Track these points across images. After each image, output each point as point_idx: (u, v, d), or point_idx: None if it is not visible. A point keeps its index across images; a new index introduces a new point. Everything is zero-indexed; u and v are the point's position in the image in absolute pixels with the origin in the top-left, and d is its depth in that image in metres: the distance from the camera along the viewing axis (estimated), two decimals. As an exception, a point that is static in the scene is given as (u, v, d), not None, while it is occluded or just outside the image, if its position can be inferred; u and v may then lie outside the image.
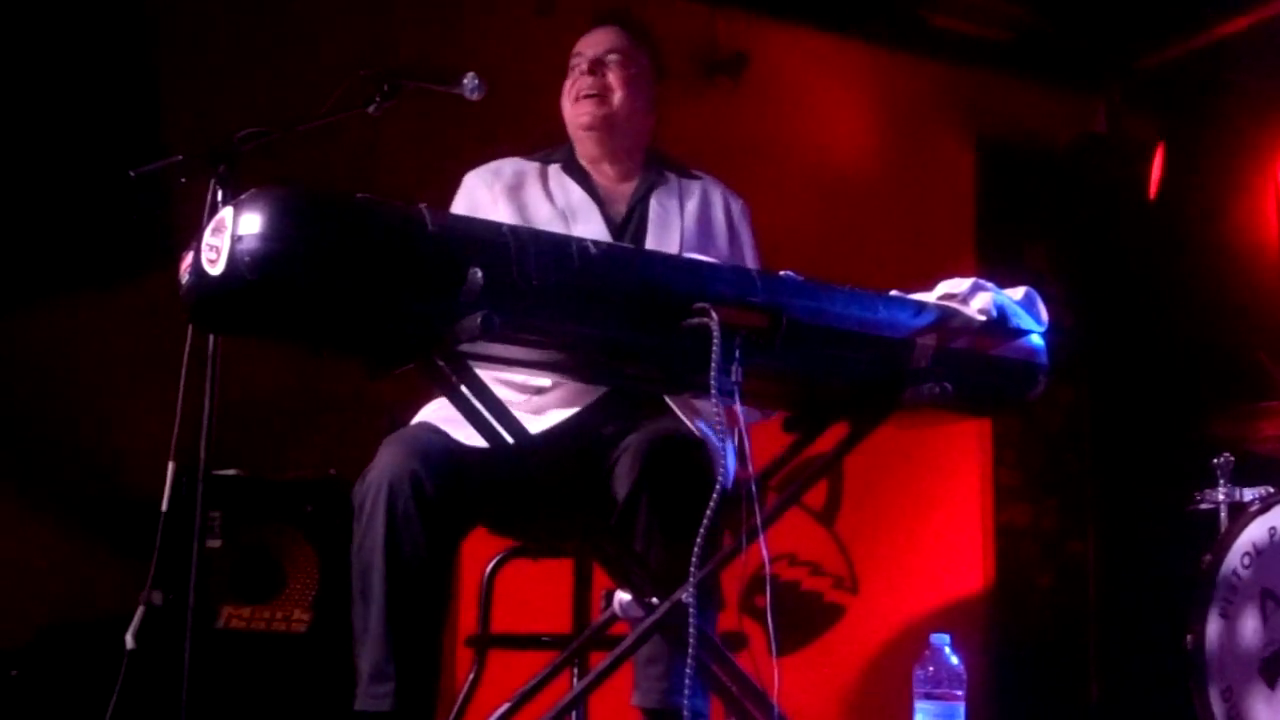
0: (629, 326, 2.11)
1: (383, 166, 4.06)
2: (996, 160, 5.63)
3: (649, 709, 2.47)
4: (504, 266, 1.99)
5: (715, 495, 2.05)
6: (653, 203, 2.87)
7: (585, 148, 2.91)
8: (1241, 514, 3.62)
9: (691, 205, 2.89)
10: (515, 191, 2.83)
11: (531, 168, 2.90)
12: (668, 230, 2.83)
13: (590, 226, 2.77)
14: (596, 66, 2.87)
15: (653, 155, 2.97)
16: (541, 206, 2.82)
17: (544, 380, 2.63)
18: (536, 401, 2.63)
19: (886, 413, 2.37)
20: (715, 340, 2.06)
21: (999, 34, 5.50)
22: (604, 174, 2.92)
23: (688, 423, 2.57)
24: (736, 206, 2.97)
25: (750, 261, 2.91)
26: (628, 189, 2.91)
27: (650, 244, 2.80)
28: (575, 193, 2.86)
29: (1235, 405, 3.90)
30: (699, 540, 2.05)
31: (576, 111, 2.89)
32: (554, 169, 2.90)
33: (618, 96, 2.86)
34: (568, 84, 2.92)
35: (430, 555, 2.44)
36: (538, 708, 2.43)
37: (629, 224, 2.85)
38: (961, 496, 5.39)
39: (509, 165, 2.90)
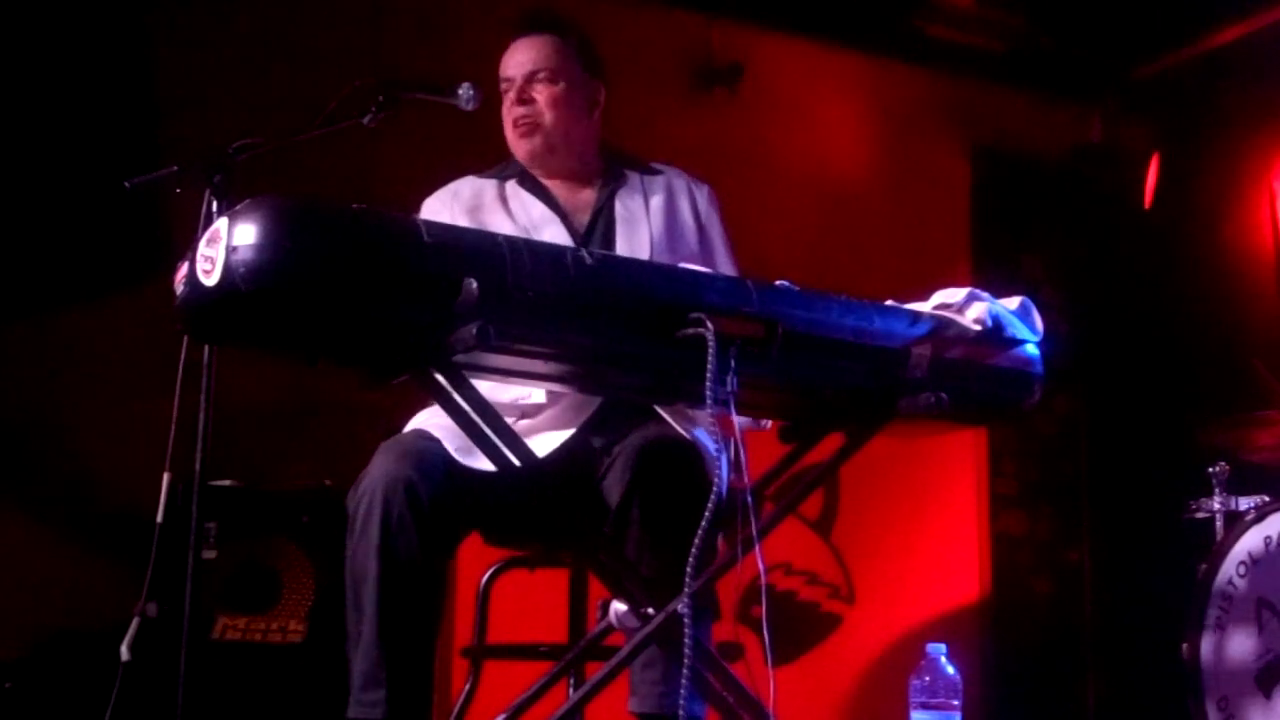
0: (624, 336, 2.11)
1: (378, 177, 4.05)
2: (992, 170, 5.63)
3: (645, 714, 2.46)
4: (499, 277, 1.99)
5: (710, 503, 2.05)
6: (617, 206, 2.83)
7: (534, 169, 2.87)
8: (1237, 523, 3.62)
9: (656, 202, 2.85)
10: (475, 212, 2.79)
11: (489, 185, 2.85)
12: (635, 232, 2.79)
13: (555, 240, 2.71)
14: (524, 91, 2.81)
15: (609, 154, 2.93)
16: (503, 225, 2.75)
17: (538, 398, 2.62)
18: (527, 424, 2.61)
19: (882, 422, 2.37)
20: (711, 350, 2.06)
21: (994, 44, 5.52)
22: (561, 185, 2.87)
23: (681, 431, 2.57)
24: (702, 195, 2.92)
25: (721, 249, 2.88)
26: (589, 196, 2.87)
27: (620, 248, 2.76)
28: (536, 208, 2.81)
29: (1231, 414, 3.91)
30: (694, 550, 2.04)
31: (514, 140, 2.84)
32: (511, 185, 2.85)
33: (549, 119, 2.80)
34: (504, 109, 2.86)
35: (424, 562, 2.43)
36: (534, 718, 2.43)
37: (594, 231, 2.81)
38: (957, 505, 5.38)
39: (466, 185, 2.86)
